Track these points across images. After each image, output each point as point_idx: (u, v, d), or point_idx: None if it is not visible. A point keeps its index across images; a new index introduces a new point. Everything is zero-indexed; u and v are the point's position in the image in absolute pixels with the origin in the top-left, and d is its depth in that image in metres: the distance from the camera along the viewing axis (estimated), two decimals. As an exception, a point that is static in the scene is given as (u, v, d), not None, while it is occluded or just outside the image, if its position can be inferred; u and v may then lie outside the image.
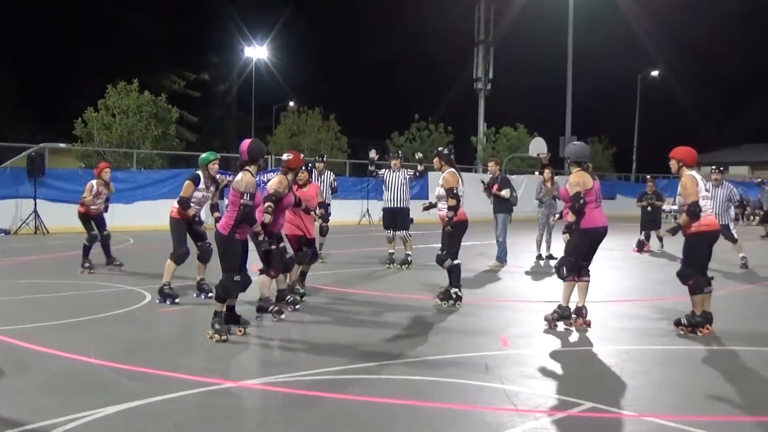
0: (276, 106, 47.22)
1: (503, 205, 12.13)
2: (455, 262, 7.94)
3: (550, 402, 4.72)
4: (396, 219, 11.58)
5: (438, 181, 8.13)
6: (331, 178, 12.09)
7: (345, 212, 23.14)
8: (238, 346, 6.25)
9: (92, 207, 10.66)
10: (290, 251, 7.96)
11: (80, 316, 7.28)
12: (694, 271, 6.78)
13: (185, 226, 8.15)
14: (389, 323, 7.21)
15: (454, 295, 8.02)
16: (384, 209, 11.92)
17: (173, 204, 8.16)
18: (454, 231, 7.89)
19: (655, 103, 51.58)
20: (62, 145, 26.87)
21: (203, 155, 8.36)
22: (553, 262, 12.49)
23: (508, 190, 12.01)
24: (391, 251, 11.72)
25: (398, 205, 11.57)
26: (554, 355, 6.08)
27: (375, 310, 7.84)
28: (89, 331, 6.72)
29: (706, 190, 6.81)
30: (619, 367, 5.68)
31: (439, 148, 8.59)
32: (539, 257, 13.17)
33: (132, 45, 43.89)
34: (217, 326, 6.33)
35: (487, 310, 8.09)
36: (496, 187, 12.04)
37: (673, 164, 6.92)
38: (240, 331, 6.53)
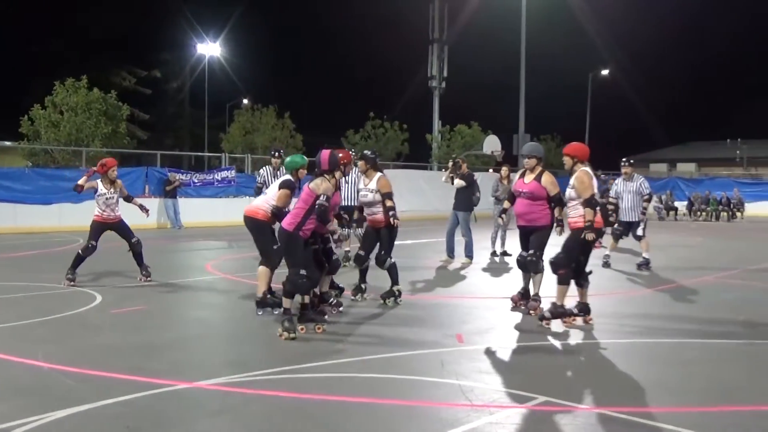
0: (229, 103, 46.75)
1: (465, 203, 12.19)
2: (392, 260, 8.04)
3: (505, 397, 4.79)
4: (349, 217, 11.49)
5: (368, 185, 8.08)
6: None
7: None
8: (192, 347, 6.19)
9: (106, 213, 9.26)
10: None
11: (29, 319, 7.10)
12: (569, 262, 6.90)
13: (271, 228, 7.56)
14: (344, 321, 7.21)
15: (396, 292, 8.10)
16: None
17: (256, 206, 7.53)
18: (394, 232, 8.00)
19: (605, 101, 52.72)
20: (8, 143, 26.13)
21: (291, 159, 7.42)
22: (508, 259, 12.66)
23: (461, 181, 12.08)
24: (346, 249, 11.69)
25: (351, 203, 11.47)
26: (508, 350, 6.16)
27: (330, 309, 7.82)
28: (38, 334, 6.55)
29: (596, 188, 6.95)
30: (571, 361, 5.79)
31: (365, 151, 8.45)
32: (494, 254, 13.32)
33: (81, 41, 42.99)
34: (286, 324, 6.33)
35: (443, 307, 8.14)
36: (457, 180, 12.13)
37: (567, 161, 7.09)
38: (318, 328, 6.54)
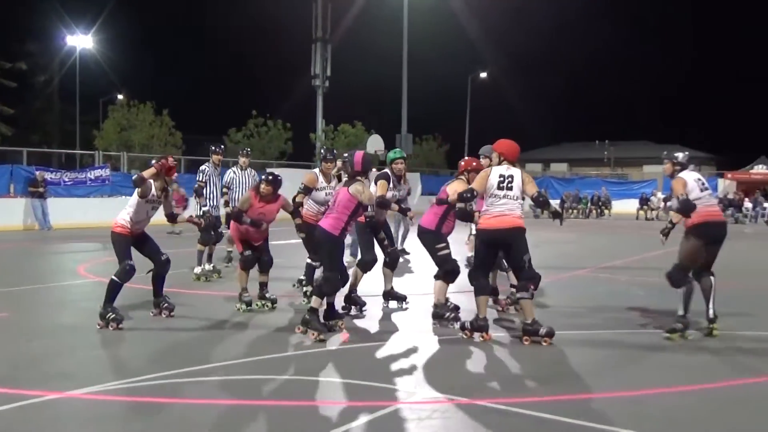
0: (103, 99, 44.69)
1: None
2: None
3: (390, 393, 4.84)
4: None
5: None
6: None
7: (180, 210, 22.29)
8: (63, 355, 5.86)
9: (138, 225, 6.89)
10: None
11: None
12: (479, 272, 6.53)
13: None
14: (230, 323, 7.07)
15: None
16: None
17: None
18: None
19: (486, 102, 54.43)
20: None
21: (389, 153, 7.79)
22: (408, 257, 12.79)
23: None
24: (229, 249, 11.40)
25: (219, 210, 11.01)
26: (391, 347, 6.23)
27: (215, 311, 7.65)
28: None
29: (499, 188, 6.32)
30: (452, 356, 5.94)
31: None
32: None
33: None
34: (317, 325, 6.30)
35: (328, 306, 8.12)
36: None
37: (495, 158, 6.75)
38: (341, 324, 6.70)
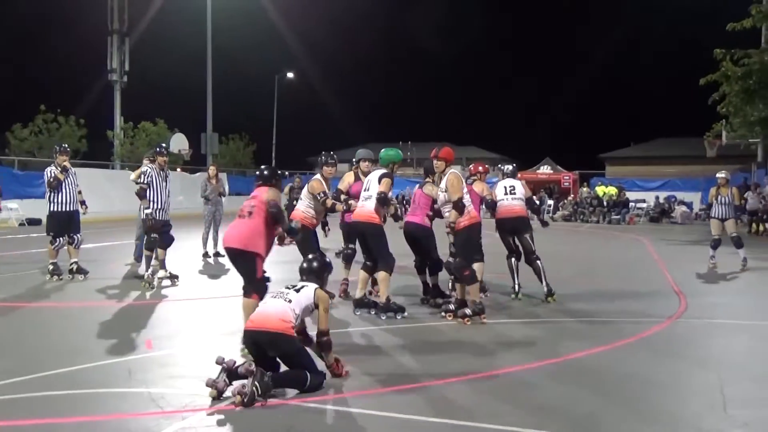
0: None
1: None
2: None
3: (197, 400, 4.69)
4: (72, 223, 10.02)
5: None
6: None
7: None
8: None
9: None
10: None
11: None
12: (470, 262, 7.31)
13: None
14: (25, 336, 6.48)
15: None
16: (56, 213, 10.20)
17: (369, 210, 7.65)
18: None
19: (294, 102, 54.53)
20: None
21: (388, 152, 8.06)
22: (221, 260, 12.34)
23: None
24: (54, 260, 10.13)
25: (74, 208, 10.08)
26: (197, 353, 6.04)
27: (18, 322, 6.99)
28: None
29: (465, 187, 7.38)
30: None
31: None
32: (206, 255, 12.97)
33: None
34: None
35: (130, 313, 7.73)
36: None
37: (440, 165, 7.33)
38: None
